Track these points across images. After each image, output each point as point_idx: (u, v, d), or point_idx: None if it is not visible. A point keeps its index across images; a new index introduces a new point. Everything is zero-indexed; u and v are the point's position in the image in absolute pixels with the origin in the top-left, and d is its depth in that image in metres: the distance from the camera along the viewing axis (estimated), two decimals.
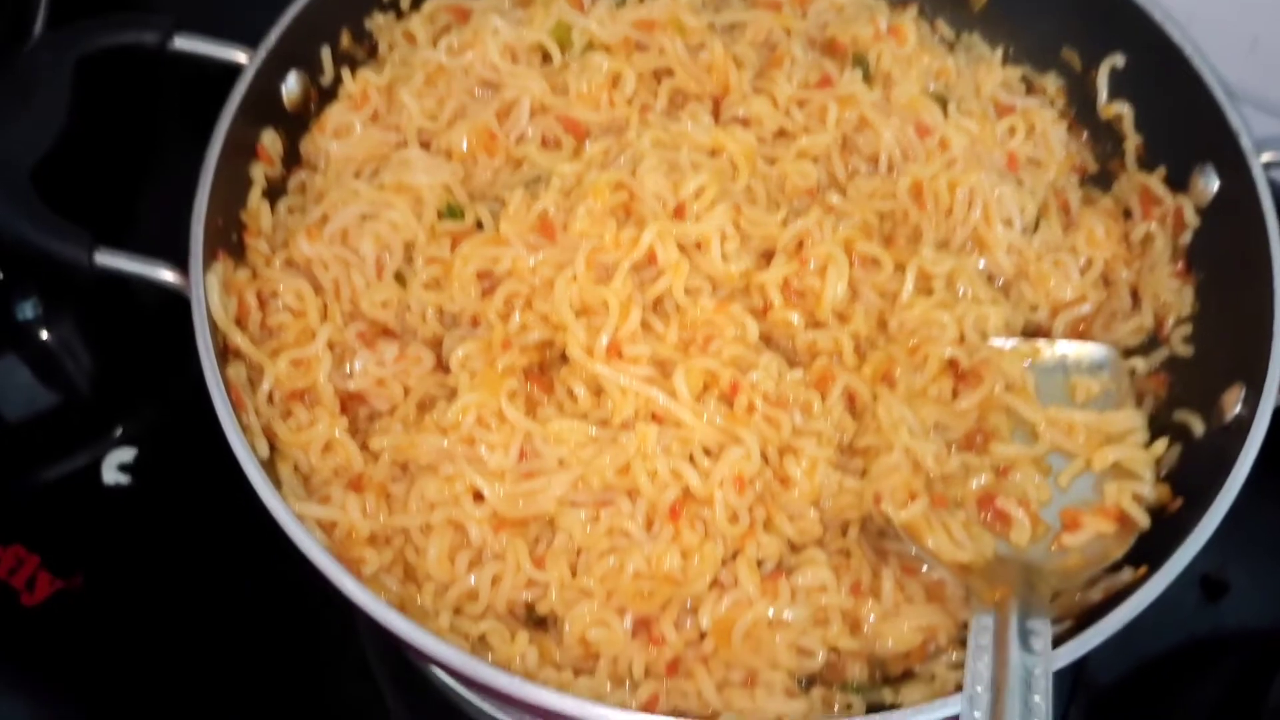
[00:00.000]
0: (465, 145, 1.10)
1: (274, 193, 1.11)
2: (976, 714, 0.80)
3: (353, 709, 1.16)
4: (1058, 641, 0.86)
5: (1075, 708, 1.16)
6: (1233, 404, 0.99)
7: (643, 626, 0.92)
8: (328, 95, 1.16)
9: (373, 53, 1.21)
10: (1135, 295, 1.13)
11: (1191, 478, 0.98)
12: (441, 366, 1.03)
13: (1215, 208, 1.10)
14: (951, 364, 1.03)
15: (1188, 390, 1.05)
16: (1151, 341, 1.11)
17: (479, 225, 1.07)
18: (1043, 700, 0.81)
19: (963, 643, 0.89)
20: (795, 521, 0.97)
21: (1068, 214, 1.16)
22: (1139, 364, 1.08)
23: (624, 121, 1.12)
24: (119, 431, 1.27)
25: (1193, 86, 1.10)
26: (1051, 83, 1.24)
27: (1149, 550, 0.93)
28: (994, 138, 1.15)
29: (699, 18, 1.15)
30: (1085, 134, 1.22)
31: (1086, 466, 1.00)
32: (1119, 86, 1.19)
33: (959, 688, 0.83)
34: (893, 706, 0.86)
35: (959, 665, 0.90)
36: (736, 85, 1.13)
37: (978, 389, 1.00)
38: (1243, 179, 1.05)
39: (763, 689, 0.90)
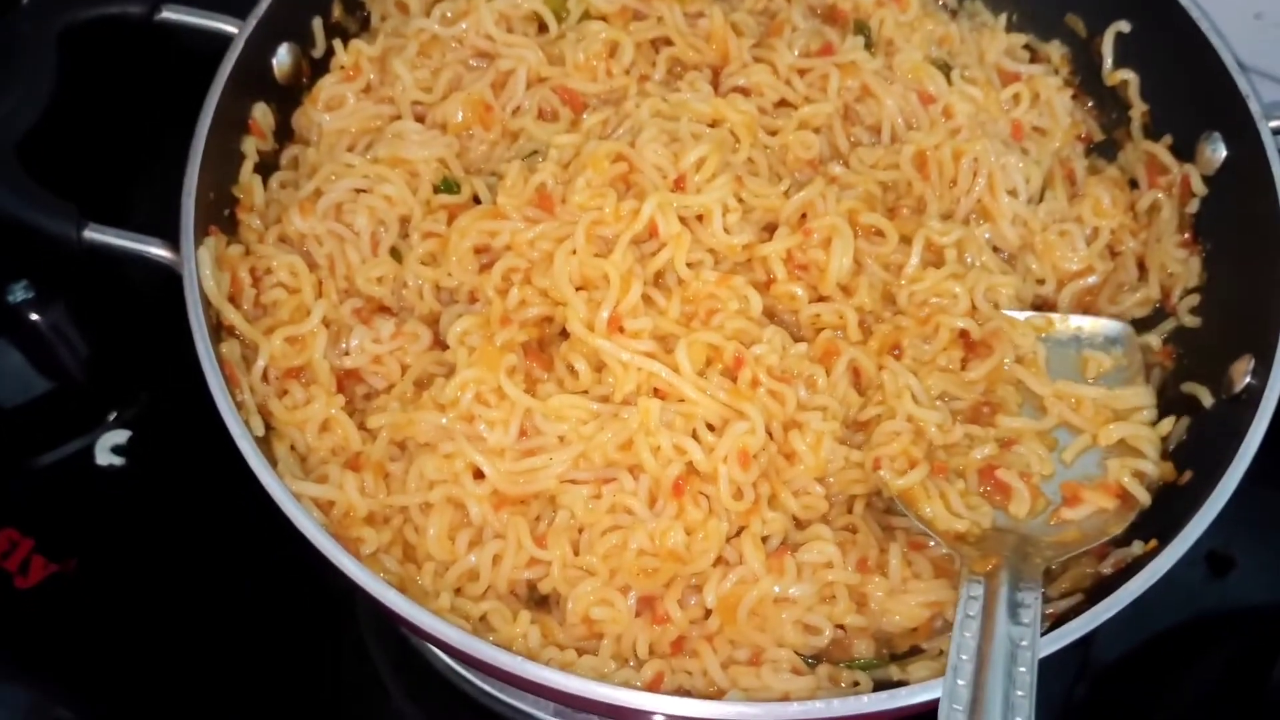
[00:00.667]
0: (460, 117, 1.08)
1: (266, 168, 1.10)
2: (960, 683, 0.80)
3: (351, 692, 1.14)
4: (1068, 616, 0.85)
5: (1081, 684, 1.15)
6: (1242, 375, 0.97)
7: (646, 605, 0.91)
8: (320, 68, 1.14)
9: (365, 25, 1.19)
10: (1142, 266, 1.12)
11: (1201, 450, 0.97)
12: (439, 344, 1.01)
13: (1223, 176, 1.08)
14: (962, 335, 1.01)
15: (1196, 362, 1.03)
16: (1158, 313, 1.10)
17: (475, 200, 1.05)
18: (1028, 672, 0.80)
19: None
20: (800, 497, 0.95)
21: (1073, 184, 1.14)
22: (1151, 340, 1.06)
23: (622, 92, 1.10)
24: (113, 415, 1.25)
25: (1200, 53, 1.08)
26: (1055, 50, 1.22)
27: (1159, 524, 0.92)
28: (998, 106, 1.13)
29: None
30: (1090, 102, 1.20)
31: (1092, 442, 0.98)
32: (1124, 53, 1.17)
33: None
34: (899, 683, 0.85)
35: None
36: (736, 54, 1.11)
37: (988, 360, 0.99)
38: (1251, 146, 1.03)
39: (769, 667, 0.89)
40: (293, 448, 0.97)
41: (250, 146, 1.07)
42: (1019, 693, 0.79)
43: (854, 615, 0.92)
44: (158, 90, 1.20)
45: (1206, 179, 1.09)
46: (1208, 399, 1.00)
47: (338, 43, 1.12)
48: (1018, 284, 1.05)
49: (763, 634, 0.90)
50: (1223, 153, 1.08)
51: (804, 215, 1.03)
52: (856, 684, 0.89)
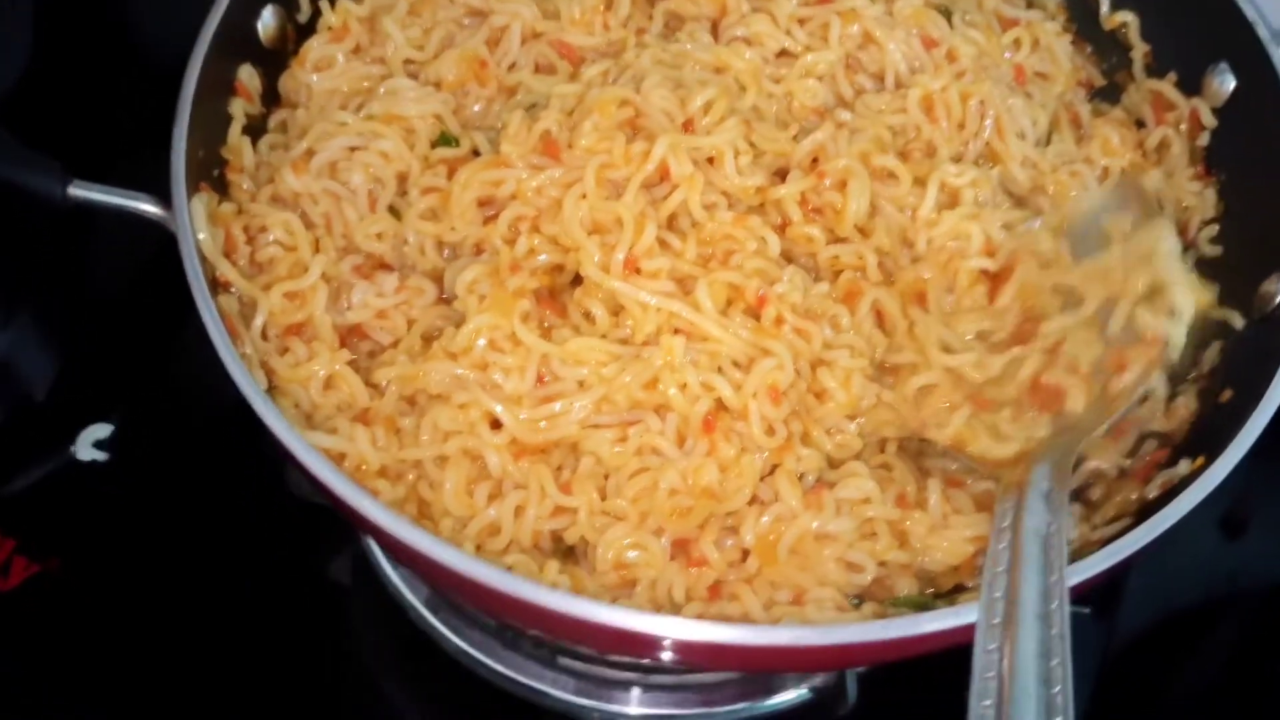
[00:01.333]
0: (454, 75, 1.05)
1: (254, 132, 1.05)
2: (996, 595, 0.75)
3: (349, 697, 1.09)
4: (1116, 537, 0.82)
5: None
6: (1272, 294, 0.96)
7: (681, 549, 0.86)
8: (306, 33, 1.10)
9: None
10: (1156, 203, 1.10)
11: (1237, 371, 0.95)
12: (444, 300, 0.97)
13: (1232, 105, 1.07)
14: (984, 273, 0.98)
15: (1223, 288, 1.01)
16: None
17: (475, 153, 1.01)
18: (1058, 559, 0.76)
19: None
20: (834, 435, 0.91)
21: (1079, 127, 1.13)
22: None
23: (620, 45, 1.07)
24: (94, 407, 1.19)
25: None
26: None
27: (1204, 443, 0.89)
28: (999, 50, 1.12)
29: None
30: (1089, 48, 1.19)
31: (1132, 305, 0.93)
32: None
33: None
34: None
35: None
36: (734, 5, 1.09)
37: (1010, 282, 0.96)
38: (1262, 71, 1.02)
39: (813, 606, 0.85)
40: (296, 406, 0.91)
41: (238, 108, 1.03)
42: (1053, 577, 0.75)
43: (896, 551, 0.88)
44: (136, 51, 1.16)
45: (1215, 111, 1.08)
46: (1239, 321, 0.97)
47: (324, 3, 1.09)
48: (1031, 219, 1.03)
49: (804, 573, 0.86)
50: (1231, 83, 1.07)
51: (815, 160, 1.01)
52: None
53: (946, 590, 0.89)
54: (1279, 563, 1.19)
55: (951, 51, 1.09)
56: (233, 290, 0.93)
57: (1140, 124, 1.14)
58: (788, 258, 0.98)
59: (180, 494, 1.15)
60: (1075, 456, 0.86)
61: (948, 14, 1.11)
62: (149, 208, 0.93)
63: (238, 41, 1.04)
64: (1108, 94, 1.18)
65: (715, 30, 1.10)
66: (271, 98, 1.08)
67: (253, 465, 1.10)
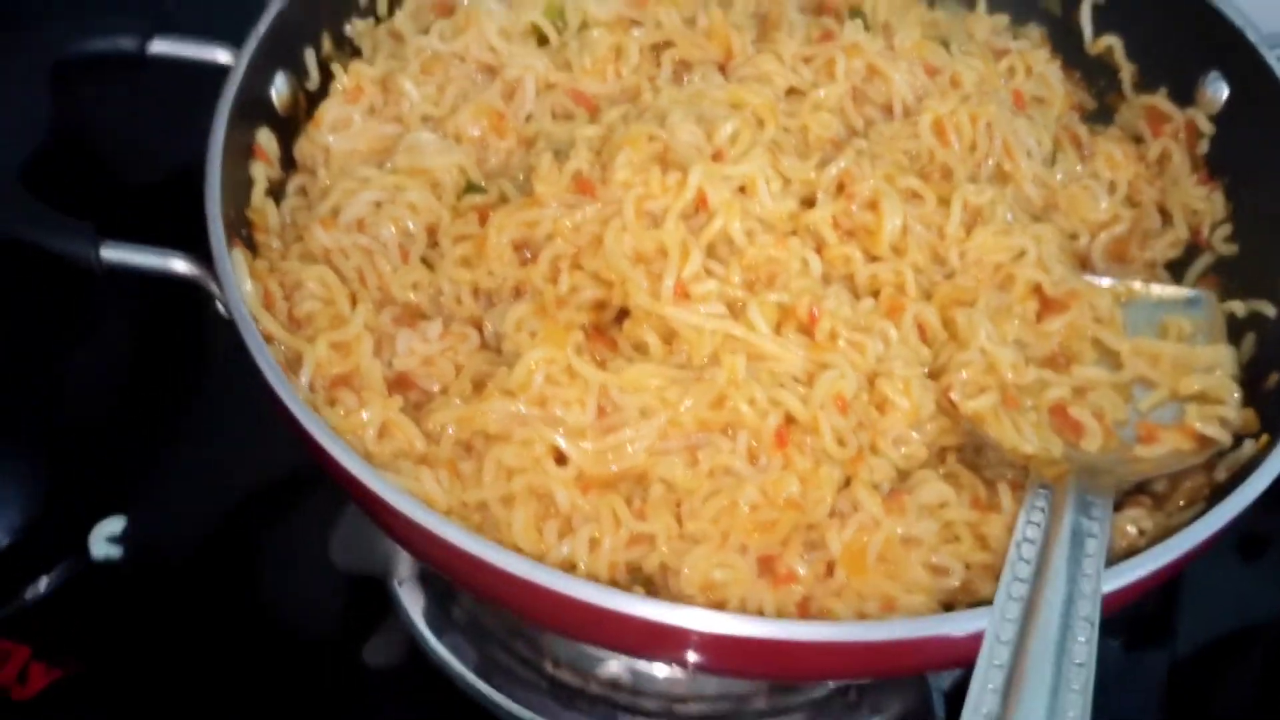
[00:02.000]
0: (479, 128, 1.05)
1: (274, 197, 1.04)
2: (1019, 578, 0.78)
3: None
4: (1195, 518, 0.82)
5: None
6: None
7: (766, 566, 0.84)
8: (316, 100, 1.09)
9: (357, 54, 1.15)
10: (1164, 212, 1.12)
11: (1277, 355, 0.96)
12: (487, 347, 0.95)
13: (1228, 110, 1.10)
14: (1037, 289, 0.99)
15: (1246, 282, 1.03)
16: (1192, 250, 1.10)
17: (503, 199, 1.01)
18: (1094, 573, 0.77)
19: None
20: (900, 445, 0.90)
21: (1080, 146, 1.15)
22: (1236, 307, 1.03)
23: (634, 90, 1.09)
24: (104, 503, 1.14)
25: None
26: (1034, 31, 1.24)
27: (1264, 422, 0.90)
28: (997, 77, 1.15)
29: None
30: (1077, 74, 1.23)
31: (1170, 395, 0.95)
32: (1103, 21, 1.21)
33: None
34: None
35: None
36: (740, 47, 1.11)
37: (1063, 314, 0.97)
38: (1256, 73, 1.06)
39: (904, 615, 0.82)
40: None
41: (259, 171, 1.02)
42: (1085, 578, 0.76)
43: (979, 553, 0.86)
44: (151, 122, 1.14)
45: (1211, 118, 1.12)
46: (1270, 310, 0.99)
47: (336, 66, 1.09)
48: (1056, 233, 1.05)
49: (893, 581, 0.84)
50: (1224, 90, 1.10)
51: (842, 184, 1.02)
52: None
53: None
54: None
55: (954, 77, 1.11)
56: (275, 343, 0.91)
57: (1138, 140, 1.17)
58: (826, 281, 0.99)
59: (198, 586, 1.10)
60: (1112, 487, 0.87)
61: (945, 45, 1.14)
62: (182, 265, 0.91)
63: (252, 107, 1.03)
64: (1100, 117, 1.21)
65: (724, 72, 1.11)
66: (287, 164, 1.07)
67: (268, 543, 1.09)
